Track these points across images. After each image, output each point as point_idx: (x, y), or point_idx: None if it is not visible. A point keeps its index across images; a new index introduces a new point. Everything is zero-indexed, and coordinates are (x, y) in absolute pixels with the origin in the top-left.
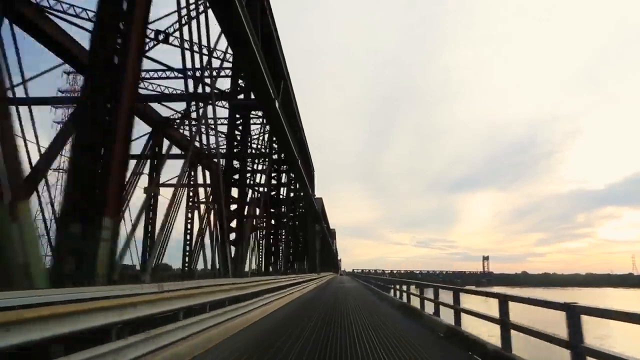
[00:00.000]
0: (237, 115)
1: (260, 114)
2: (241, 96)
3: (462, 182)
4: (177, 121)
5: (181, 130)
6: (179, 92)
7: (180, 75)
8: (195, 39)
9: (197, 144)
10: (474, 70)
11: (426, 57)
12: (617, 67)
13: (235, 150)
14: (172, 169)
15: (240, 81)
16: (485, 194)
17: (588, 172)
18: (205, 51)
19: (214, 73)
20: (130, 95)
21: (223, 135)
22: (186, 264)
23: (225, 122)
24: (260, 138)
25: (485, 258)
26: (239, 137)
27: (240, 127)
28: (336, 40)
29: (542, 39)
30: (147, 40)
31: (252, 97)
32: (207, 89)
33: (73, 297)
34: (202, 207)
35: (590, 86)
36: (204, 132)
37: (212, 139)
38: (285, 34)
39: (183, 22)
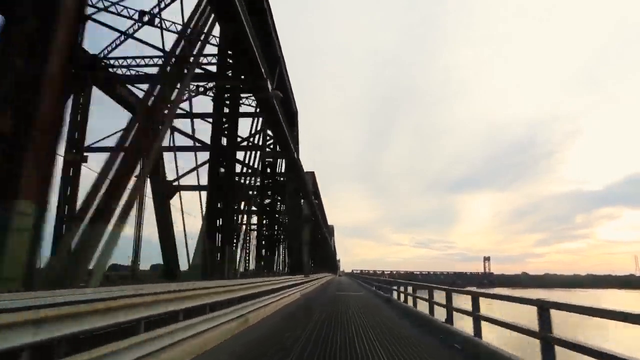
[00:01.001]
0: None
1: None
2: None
3: (461, 183)
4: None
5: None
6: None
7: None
8: (178, 20)
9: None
10: (474, 70)
11: (426, 57)
12: (617, 67)
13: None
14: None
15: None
16: (485, 194)
17: (587, 173)
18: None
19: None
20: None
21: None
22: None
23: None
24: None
25: (487, 259)
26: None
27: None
28: (336, 40)
29: (542, 39)
30: (132, 22)
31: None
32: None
33: None
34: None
35: (590, 86)
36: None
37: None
38: (285, 34)
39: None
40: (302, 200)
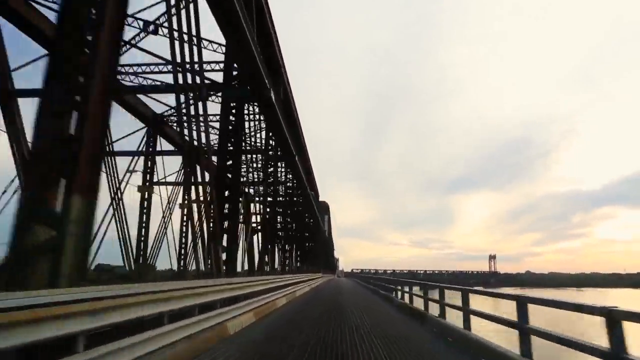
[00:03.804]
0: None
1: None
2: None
3: (458, 182)
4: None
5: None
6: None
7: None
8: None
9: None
10: (470, 69)
11: (422, 55)
12: (613, 65)
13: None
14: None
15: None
16: (482, 193)
17: (584, 172)
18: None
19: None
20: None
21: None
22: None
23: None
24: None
25: (492, 257)
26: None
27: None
28: (332, 38)
29: (538, 38)
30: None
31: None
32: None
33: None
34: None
35: (586, 84)
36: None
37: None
38: (281, 33)
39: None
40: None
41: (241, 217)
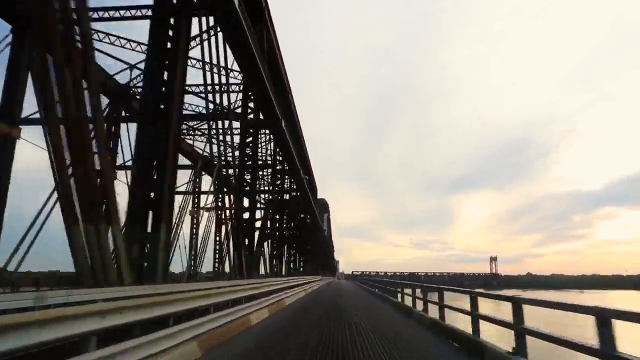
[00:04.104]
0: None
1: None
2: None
3: (458, 182)
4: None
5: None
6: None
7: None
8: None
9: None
10: (470, 69)
11: (422, 55)
12: (613, 64)
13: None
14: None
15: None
16: (482, 194)
17: (585, 172)
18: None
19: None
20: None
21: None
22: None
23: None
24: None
25: (493, 259)
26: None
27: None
28: (332, 38)
29: (538, 37)
30: None
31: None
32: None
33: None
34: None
35: (586, 84)
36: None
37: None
38: (281, 33)
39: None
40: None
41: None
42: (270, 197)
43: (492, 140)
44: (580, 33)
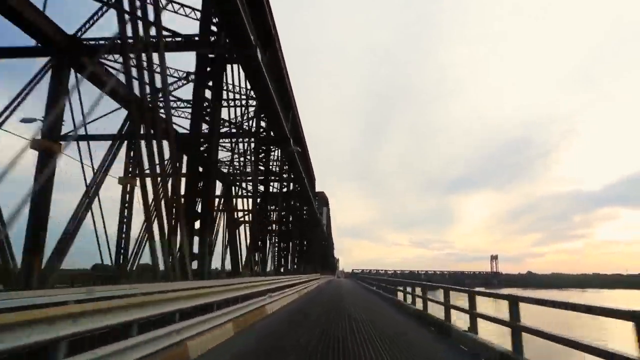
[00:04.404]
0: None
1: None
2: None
3: (458, 182)
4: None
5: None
6: None
7: None
8: None
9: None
10: (470, 69)
11: (422, 55)
12: (613, 65)
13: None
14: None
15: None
16: (482, 194)
17: (585, 172)
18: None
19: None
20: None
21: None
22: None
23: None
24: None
25: (494, 257)
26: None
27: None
28: (332, 38)
29: (538, 38)
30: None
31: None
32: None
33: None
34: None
35: (586, 84)
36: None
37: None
38: (282, 34)
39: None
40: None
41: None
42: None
43: (492, 140)
44: (580, 33)
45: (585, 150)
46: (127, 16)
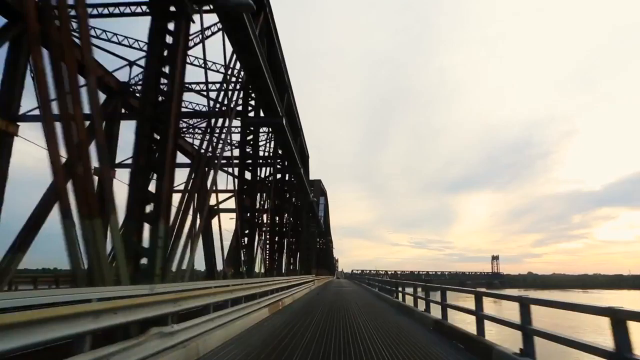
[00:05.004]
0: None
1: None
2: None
3: (458, 183)
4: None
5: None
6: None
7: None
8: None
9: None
10: (470, 71)
11: (422, 57)
12: (612, 66)
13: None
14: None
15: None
16: (482, 194)
17: (584, 173)
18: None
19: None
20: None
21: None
22: None
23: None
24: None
25: (495, 258)
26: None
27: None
28: (332, 41)
29: (538, 39)
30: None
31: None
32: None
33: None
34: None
35: (585, 86)
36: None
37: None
38: (283, 37)
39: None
40: None
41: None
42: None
43: (492, 141)
44: (579, 34)
45: (585, 150)
46: None
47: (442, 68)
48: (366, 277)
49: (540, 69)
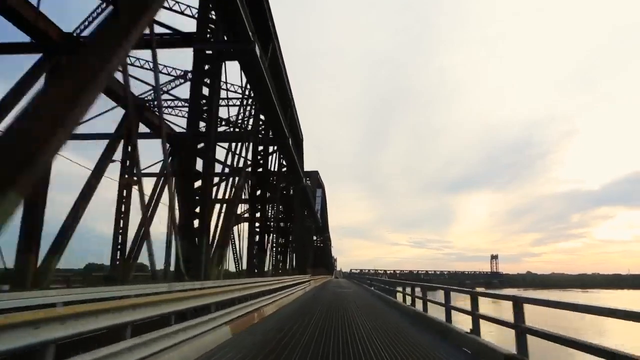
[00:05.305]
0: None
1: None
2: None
3: (458, 183)
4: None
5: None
6: None
7: None
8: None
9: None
10: (470, 71)
11: (422, 57)
12: (611, 67)
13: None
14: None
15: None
16: (481, 194)
17: (583, 172)
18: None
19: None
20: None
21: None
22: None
23: None
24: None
25: (494, 257)
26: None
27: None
28: (332, 41)
29: (538, 39)
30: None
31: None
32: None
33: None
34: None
35: (585, 86)
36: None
37: None
38: (283, 38)
39: None
40: None
41: None
42: None
43: (492, 141)
44: (579, 35)
45: (585, 150)
46: None
47: (442, 68)
48: (367, 277)
49: (540, 69)
